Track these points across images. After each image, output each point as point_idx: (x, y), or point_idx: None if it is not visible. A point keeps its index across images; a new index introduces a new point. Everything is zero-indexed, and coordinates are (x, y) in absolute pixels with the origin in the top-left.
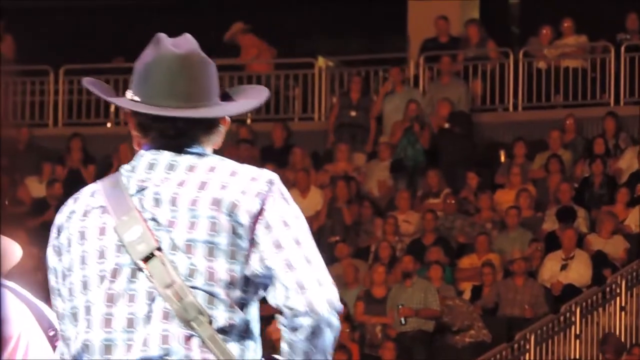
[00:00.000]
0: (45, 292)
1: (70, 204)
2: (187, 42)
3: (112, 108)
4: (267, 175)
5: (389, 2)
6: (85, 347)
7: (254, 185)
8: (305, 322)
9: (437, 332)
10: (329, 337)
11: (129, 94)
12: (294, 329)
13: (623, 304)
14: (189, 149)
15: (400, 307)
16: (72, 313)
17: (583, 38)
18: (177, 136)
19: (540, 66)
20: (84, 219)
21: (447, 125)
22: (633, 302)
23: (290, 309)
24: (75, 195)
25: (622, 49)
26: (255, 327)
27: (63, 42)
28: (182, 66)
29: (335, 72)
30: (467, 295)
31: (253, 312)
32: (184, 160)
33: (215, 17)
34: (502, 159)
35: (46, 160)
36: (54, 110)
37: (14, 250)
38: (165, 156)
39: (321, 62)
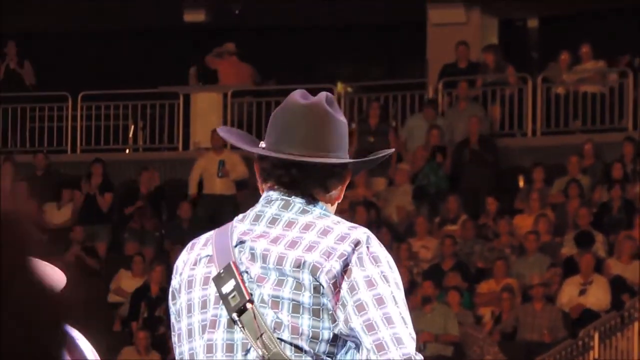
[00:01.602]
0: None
1: (187, 250)
2: (316, 96)
3: (131, 134)
4: (355, 235)
5: (408, 28)
6: None
7: (339, 247)
8: None
9: (456, 357)
10: None
11: (262, 142)
12: None
13: None
14: (299, 201)
15: (420, 332)
16: (180, 358)
17: (601, 63)
18: (291, 184)
19: (558, 91)
20: (194, 268)
21: (477, 147)
22: None
23: None
24: (193, 241)
25: None
26: None
27: (81, 68)
28: (305, 116)
29: (355, 97)
30: (486, 320)
31: None
32: (287, 215)
33: (236, 41)
34: (521, 184)
35: (65, 186)
36: (72, 136)
37: (57, 276)
38: (272, 209)
39: (340, 87)
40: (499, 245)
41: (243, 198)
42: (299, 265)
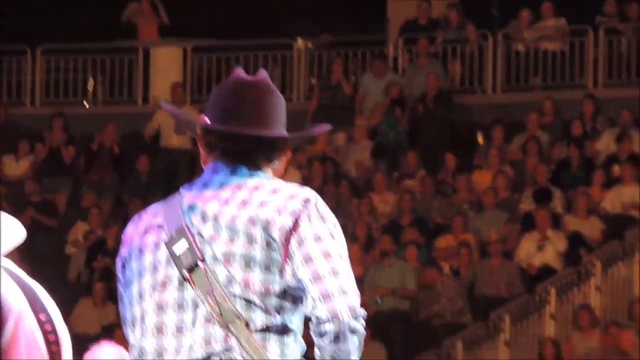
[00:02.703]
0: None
1: (134, 221)
2: (258, 74)
3: (90, 88)
4: (304, 194)
5: None
6: (141, 354)
7: (290, 204)
8: (329, 328)
9: (414, 310)
10: (352, 342)
11: (203, 116)
12: (321, 334)
13: (598, 284)
14: (245, 170)
15: (377, 286)
16: (131, 322)
17: (562, 21)
18: (238, 155)
19: (519, 49)
20: (144, 236)
21: (431, 104)
22: (608, 282)
23: (316, 317)
24: (141, 213)
25: (601, 32)
26: (297, 329)
27: (41, 21)
28: (249, 92)
29: (314, 53)
30: (445, 274)
31: (294, 317)
32: (235, 179)
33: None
34: (480, 140)
35: (23, 139)
36: (31, 90)
37: (18, 229)
38: (220, 176)
39: (300, 43)
40: (458, 201)
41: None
42: (252, 221)
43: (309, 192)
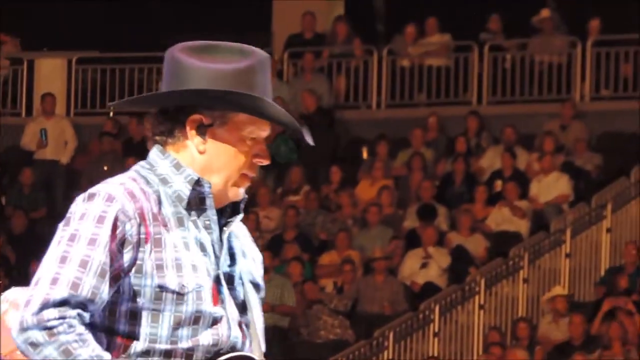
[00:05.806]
0: None
1: None
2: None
3: None
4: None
5: None
6: None
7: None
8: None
9: (294, 328)
10: (36, 355)
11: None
12: None
13: (482, 303)
14: (151, 156)
15: None
16: None
17: (447, 37)
18: (150, 137)
19: (404, 64)
20: None
21: (313, 121)
22: (492, 300)
23: None
24: None
25: (485, 48)
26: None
27: None
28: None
29: None
30: (328, 291)
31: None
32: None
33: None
34: (365, 155)
35: None
36: None
37: None
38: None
39: None
40: (341, 216)
41: (82, 165)
42: None
43: (91, 189)
